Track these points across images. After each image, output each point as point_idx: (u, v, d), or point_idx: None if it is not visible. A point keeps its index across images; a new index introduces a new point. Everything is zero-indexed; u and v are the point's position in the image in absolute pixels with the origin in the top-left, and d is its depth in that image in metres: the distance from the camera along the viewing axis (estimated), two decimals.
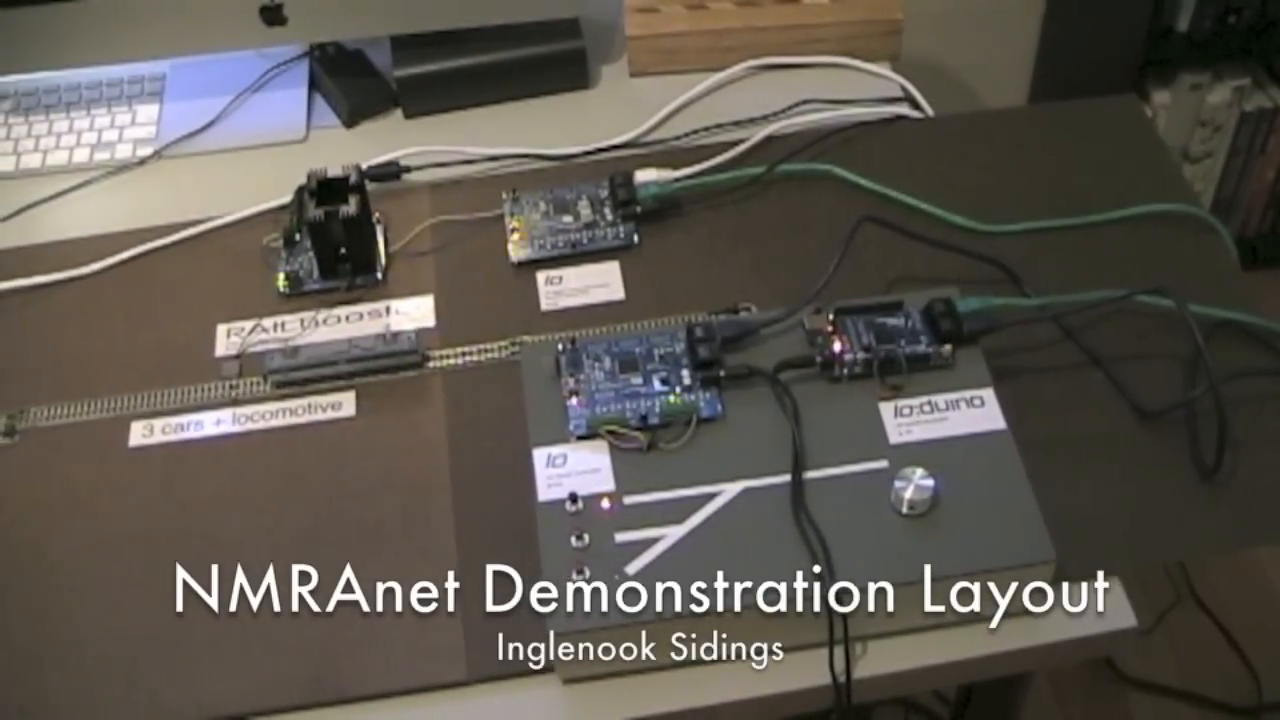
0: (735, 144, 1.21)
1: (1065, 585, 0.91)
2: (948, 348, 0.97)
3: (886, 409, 0.95)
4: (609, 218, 1.16)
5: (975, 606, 0.89)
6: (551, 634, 0.87)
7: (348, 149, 1.29)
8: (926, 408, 0.95)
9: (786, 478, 0.91)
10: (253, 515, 1.01)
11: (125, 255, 1.21)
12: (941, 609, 0.89)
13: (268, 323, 1.13)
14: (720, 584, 0.87)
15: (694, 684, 0.89)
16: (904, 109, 1.26)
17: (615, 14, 1.36)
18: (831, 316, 0.99)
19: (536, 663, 0.90)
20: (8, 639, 0.96)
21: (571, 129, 1.27)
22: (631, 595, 0.86)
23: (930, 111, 1.27)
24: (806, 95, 1.27)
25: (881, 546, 0.88)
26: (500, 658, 0.91)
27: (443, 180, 1.23)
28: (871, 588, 0.86)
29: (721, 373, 0.96)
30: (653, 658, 0.89)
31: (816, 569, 0.87)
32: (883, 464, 0.92)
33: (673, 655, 0.89)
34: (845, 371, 0.97)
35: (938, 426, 0.94)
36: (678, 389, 0.96)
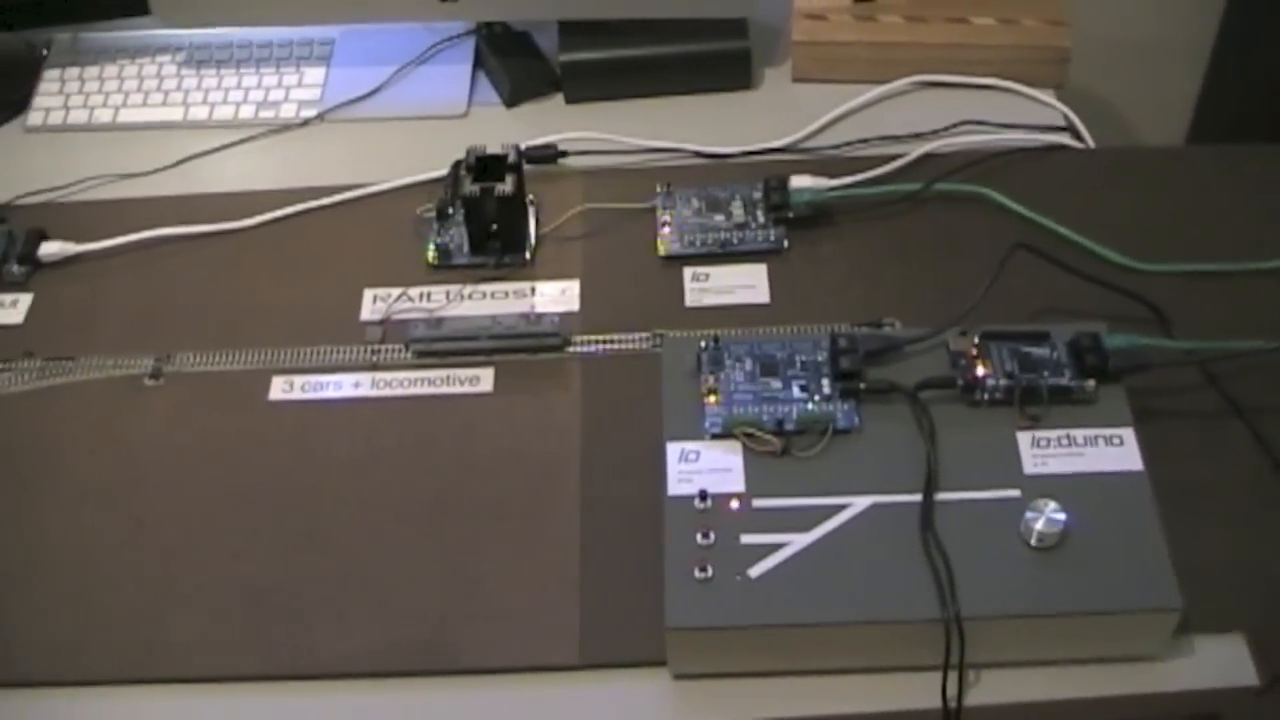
0: (892, 158, 1.21)
1: (1187, 635, 0.90)
2: (1091, 383, 0.96)
3: (1024, 438, 0.94)
4: (760, 220, 1.16)
5: (1093, 647, 0.88)
6: (668, 628, 0.87)
7: (506, 128, 1.31)
8: (1064, 441, 0.94)
9: (916, 497, 0.91)
10: (383, 479, 1.02)
11: (281, 213, 1.23)
12: (1059, 645, 0.88)
13: (414, 292, 1.15)
14: (841, 596, 0.86)
15: (803, 693, 0.89)
16: (1064, 138, 1.25)
17: (783, 18, 1.36)
18: (977, 340, 0.98)
19: (649, 655, 0.90)
20: (138, 573, 0.99)
21: (729, 128, 1.27)
22: (752, 598, 0.86)
23: (1091, 143, 1.25)
24: (967, 116, 1.26)
25: (1006, 576, 0.87)
26: (613, 645, 0.92)
27: (598, 168, 1.24)
28: (992, 616, 0.86)
29: (862, 385, 0.96)
30: (765, 663, 0.89)
31: (939, 591, 0.86)
32: (1015, 493, 0.91)
33: (785, 662, 0.89)
34: (986, 396, 0.96)
35: (1074, 461, 0.93)
36: (816, 397, 0.96)
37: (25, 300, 1.20)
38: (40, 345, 1.15)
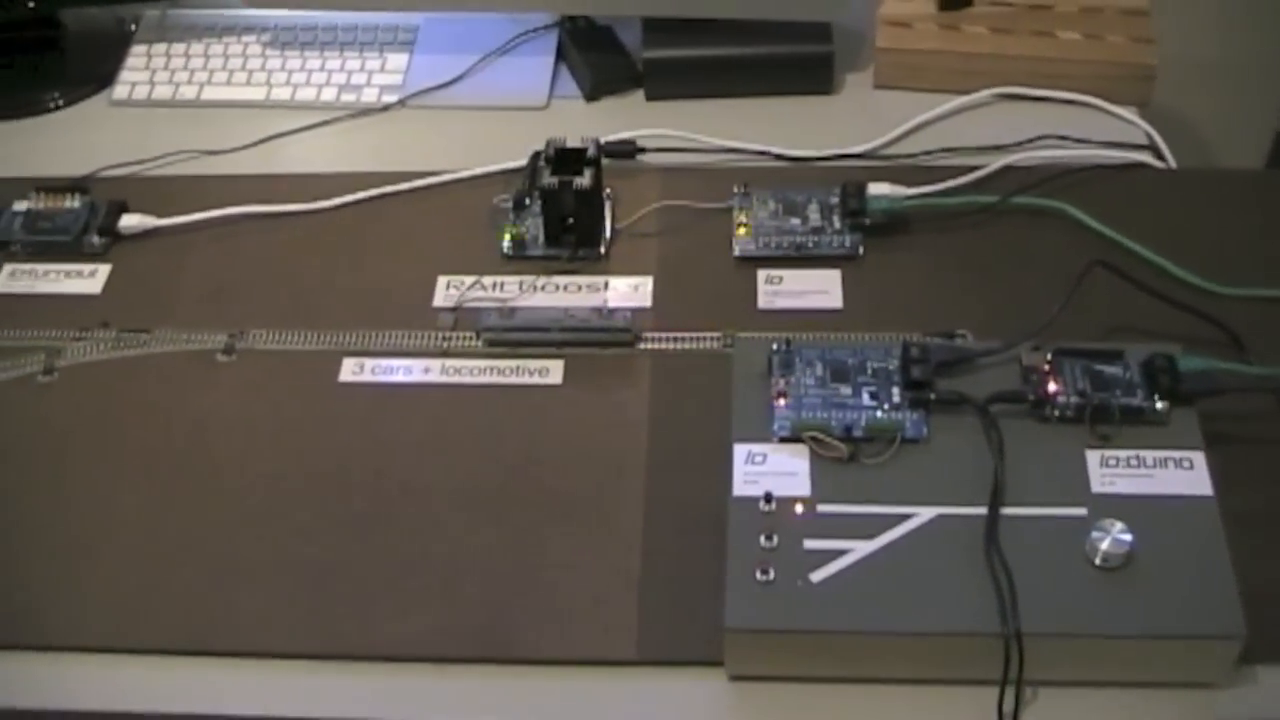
0: (971, 169, 1.20)
1: (1250, 664, 0.89)
2: (1164, 405, 0.95)
3: (1093, 457, 0.94)
4: (836, 225, 1.16)
5: (1153, 671, 0.88)
6: (727, 628, 0.87)
7: (585, 122, 1.31)
8: (1134, 461, 0.93)
9: (982, 510, 0.90)
10: (448, 466, 1.03)
11: (358, 196, 1.24)
12: (1119, 667, 0.88)
13: (487, 281, 1.15)
14: (901, 606, 0.86)
15: (858, 701, 0.89)
16: (1146, 157, 1.24)
17: (866, 24, 1.36)
18: (1050, 356, 0.97)
19: (706, 654, 0.90)
20: (203, 549, 1.00)
21: (808, 132, 1.27)
22: (812, 603, 0.86)
23: (1173, 162, 1.24)
24: (1048, 130, 1.25)
25: (1068, 594, 0.87)
26: (671, 643, 0.92)
27: (675, 165, 1.24)
28: (1052, 634, 0.85)
29: (932, 396, 0.96)
30: (822, 668, 0.89)
31: (1000, 606, 0.86)
32: (1081, 512, 0.90)
33: (842, 669, 0.89)
34: (1056, 413, 0.95)
35: (1143, 482, 0.92)
36: (886, 405, 0.96)
37: (104, 271, 1.21)
38: (116, 316, 1.16)
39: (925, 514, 0.91)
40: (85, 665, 0.95)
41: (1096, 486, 0.92)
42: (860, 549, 0.89)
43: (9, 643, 0.96)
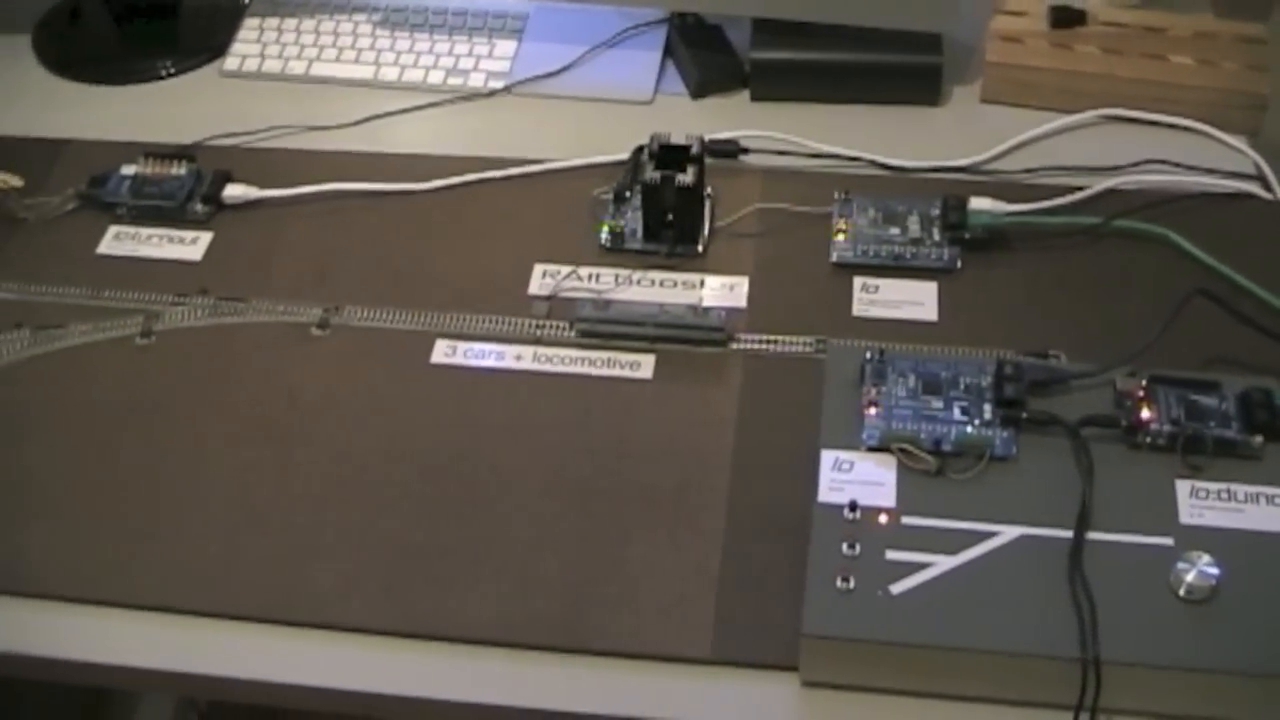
0: (1074, 190, 1.19)
1: None
2: (1259, 439, 0.94)
3: (1183, 487, 0.93)
4: (935, 238, 1.15)
5: (1231, 707, 0.86)
6: (804, 634, 0.87)
7: (689, 119, 1.31)
8: (1224, 495, 0.92)
9: (1067, 532, 0.90)
10: (535, 453, 1.03)
11: (460, 180, 1.25)
12: (1197, 701, 0.87)
13: (583, 272, 1.16)
14: (981, 623, 0.86)
15: (930, 717, 0.89)
16: (1253, 187, 1.22)
17: (977, 37, 1.35)
18: (1145, 383, 0.97)
19: (780, 658, 0.90)
20: (288, 518, 1.01)
21: (911, 142, 1.26)
22: (892, 614, 0.86)
23: None
24: (1154, 154, 1.24)
25: (1149, 624, 0.86)
26: (746, 645, 0.92)
27: (777, 168, 1.24)
28: (1132, 663, 0.84)
29: (1024, 415, 0.95)
30: (896, 680, 0.89)
31: (1080, 631, 0.85)
32: (1168, 541, 0.89)
33: (916, 683, 0.89)
34: (1148, 440, 0.94)
35: (1233, 516, 0.91)
36: (976, 421, 0.95)
37: (205, 239, 1.23)
38: (215, 284, 1.18)
39: (1010, 533, 0.90)
40: (166, 626, 0.96)
41: (1185, 517, 0.91)
42: (942, 563, 0.89)
43: (94, 598, 0.98)
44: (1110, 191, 1.20)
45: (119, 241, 1.23)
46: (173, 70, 1.43)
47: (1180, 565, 0.87)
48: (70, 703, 1.73)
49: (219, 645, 0.95)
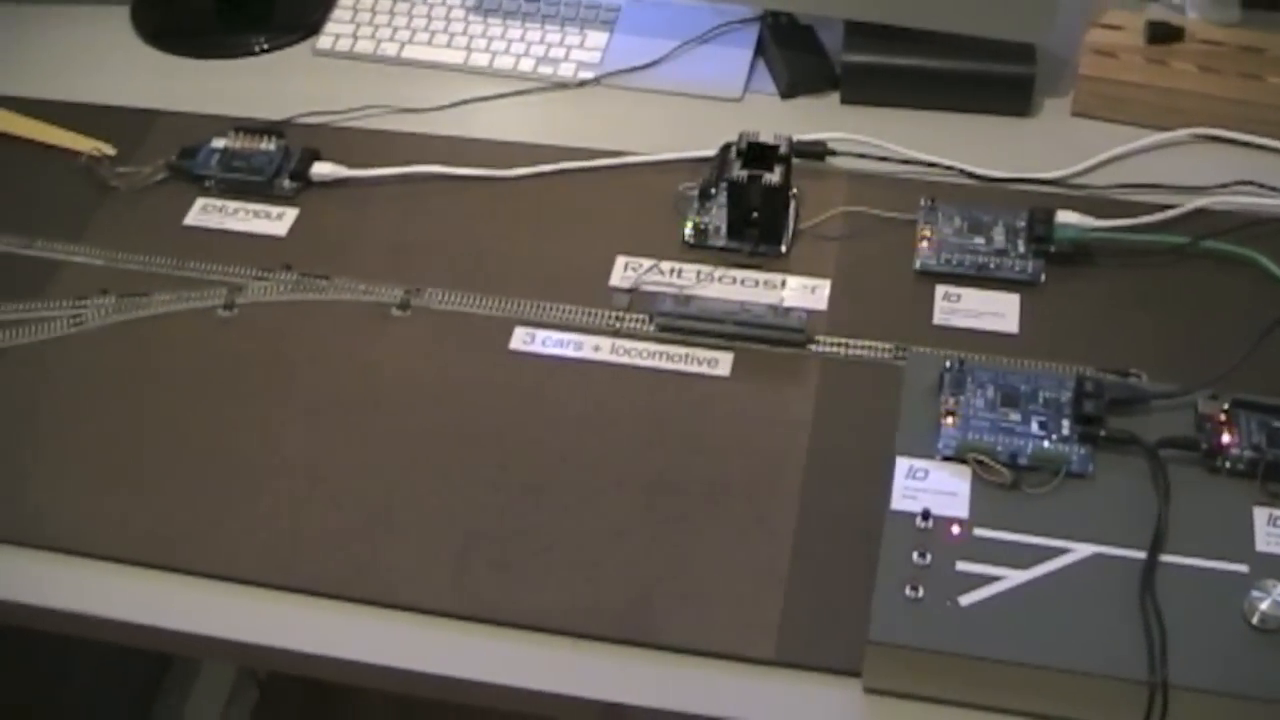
0: (1163, 208, 1.18)
1: None
2: None
3: (1260, 514, 0.91)
4: (1020, 249, 1.15)
5: None
6: (870, 641, 0.86)
7: (777, 119, 1.31)
8: None
9: (1140, 553, 0.89)
10: (608, 444, 1.04)
11: (546, 168, 1.25)
12: None
13: (665, 266, 1.16)
14: (1049, 640, 0.85)
15: None
16: None
17: (1071, 49, 1.34)
18: (1227, 407, 0.96)
19: (844, 664, 0.90)
20: (359, 496, 1.02)
21: (1000, 152, 1.26)
22: (959, 626, 0.86)
23: None
24: (1247, 176, 1.22)
25: (1221, 651, 0.85)
26: (811, 648, 0.91)
27: (864, 172, 1.23)
28: (1200, 689, 0.83)
29: (1102, 432, 0.94)
30: (959, 692, 0.88)
31: (1150, 653, 0.84)
32: (1243, 568, 0.88)
33: (980, 696, 0.88)
34: (1227, 465, 0.93)
35: None
36: (1054, 436, 0.95)
37: (291, 215, 1.24)
38: (299, 260, 1.19)
39: (1082, 550, 0.89)
40: (233, 595, 0.97)
41: (1261, 545, 0.90)
42: (1013, 578, 0.88)
43: (165, 564, 0.99)
44: (1200, 211, 1.19)
45: (206, 214, 1.24)
46: (266, 47, 1.44)
47: (1255, 593, 0.86)
48: (134, 666, 1.75)
49: (284, 618, 0.96)
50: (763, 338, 1.09)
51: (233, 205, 1.25)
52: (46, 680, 1.53)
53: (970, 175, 1.23)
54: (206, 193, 1.26)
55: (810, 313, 1.10)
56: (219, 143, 1.28)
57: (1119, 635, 0.85)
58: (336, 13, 1.45)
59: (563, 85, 1.36)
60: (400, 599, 0.96)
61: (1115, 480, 0.93)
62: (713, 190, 1.19)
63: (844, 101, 1.33)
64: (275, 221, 1.23)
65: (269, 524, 1.00)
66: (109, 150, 1.30)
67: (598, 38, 1.40)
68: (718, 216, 1.18)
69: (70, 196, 1.27)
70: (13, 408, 1.09)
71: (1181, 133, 1.28)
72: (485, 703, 0.94)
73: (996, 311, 1.11)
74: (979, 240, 1.15)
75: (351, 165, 1.26)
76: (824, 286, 1.14)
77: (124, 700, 1.74)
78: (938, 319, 1.11)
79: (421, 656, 0.94)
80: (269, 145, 1.27)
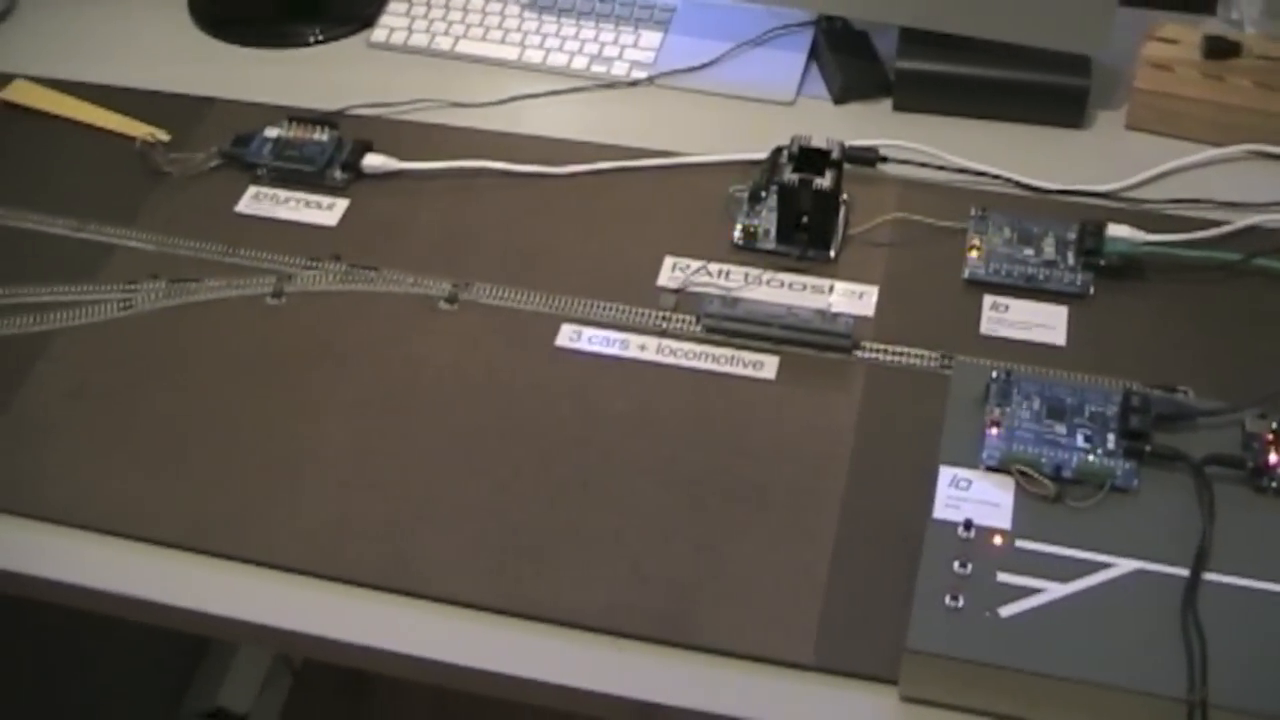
0: (1215, 224, 1.17)
1: None
2: None
3: None
4: (1070, 262, 1.14)
5: None
6: (908, 649, 0.86)
7: (829, 124, 1.30)
8: None
9: (1183, 571, 0.88)
10: (651, 444, 1.04)
11: (596, 166, 1.26)
12: None
13: (713, 268, 1.16)
14: (1088, 654, 0.85)
15: None
16: None
17: (1126, 61, 1.33)
18: (1275, 425, 0.95)
19: (881, 671, 0.90)
20: (401, 487, 1.02)
21: (1052, 164, 1.25)
22: (998, 637, 0.85)
23: None
24: None
25: (1262, 672, 0.84)
26: (848, 654, 0.91)
27: (915, 179, 1.23)
28: (1240, 710, 0.83)
29: (1148, 448, 0.94)
30: (996, 704, 0.88)
31: (1190, 672, 0.84)
32: None
33: (1016, 708, 0.87)
34: (1274, 484, 0.93)
35: None
36: (1099, 450, 0.94)
37: (341, 205, 1.24)
38: (348, 251, 1.20)
39: (1124, 565, 0.89)
40: (273, 582, 0.98)
41: None
42: (1053, 590, 0.88)
43: (206, 548, 1.00)
44: (1252, 229, 1.18)
45: (257, 202, 1.25)
46: (321, 38, 1.45)
47: None
48: (171, 649, 1.76)
49: (322, 606, 0.97)
50: (809, 342, 1.09)
51: (284, 194, 1.25)
52: (84, 659, 1.55)
53: (1021, 186, 1.23)
54: (258, 181, 1.27)
55: (857, 319, 1.10)
56: (272, 132, 1.28)
57: (1159, 652, 0.85)
58: (392, 6, 1.46)
59: (615, 84, 1.37)
60: (439, 591, 0.96)
61: (1160, 496, 0.93)
62: (763, 193, 1.19)
63: (896, 108, 1.33)
64: (326, 211, 1.24)
65: (310, 512, 1.01)
66: (163, 136, 1.31)
67: (652, 37, 1.40)
68: (767, 219, 1.18)
69: (124, 181, 1.28)
70: (62, 388, 1.10)
71: (1235, 149, 1.27)
72: (520, 698, 0.94)
73: (1044, 323, 1.11)
74: (1029, 251, 1.15)
75: (403, 158, 1.27)
76: (871, 293, 1.14)
77: (160, 683, 1.76)
78: (985, 329, 1.11)
79: (458, 649, 0.94)
80: (322, 136, 1.28)
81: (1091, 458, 0.94)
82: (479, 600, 0.96)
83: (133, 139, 1.31)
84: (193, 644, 1.81)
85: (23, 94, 1.37)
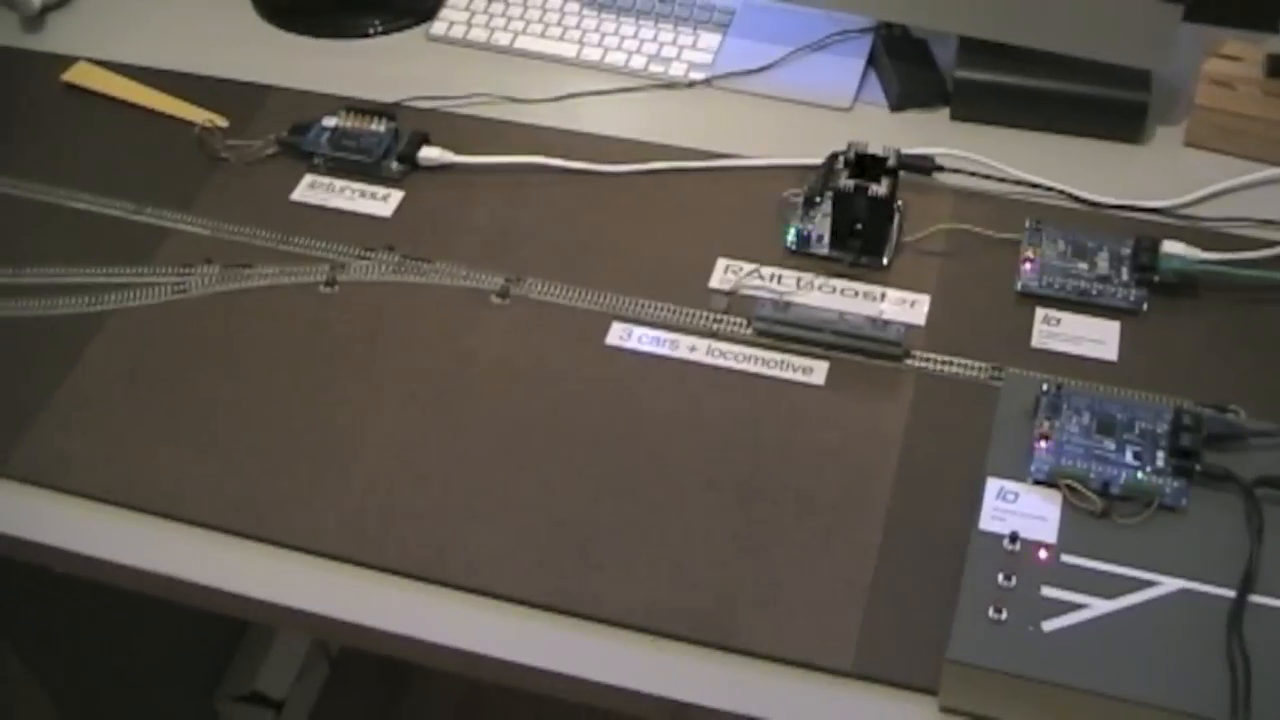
0: (1272, 244, 1.16)
1: None
2: None
3: None
4: (1124, 277, 1.13)
5: None
6: (948, 659, 0.86)
7: (885, 131, 1.30)
8: None
9: (1230, 592, 0.88)
10: (698, 445, 1.04)
11: (651, 166, 1.26)
12: None
13: (766, 271, 1.16)
14: (1130, 672, 0.84)
15: None
16: None
17: (1187, 78, 1.32)
18: None
19: (920, 680, 0.90)
20: (447, 480, 1.02)
21: (1108, 178, 1.24)
22: (1040, 651, 0.85)
23: None
24: None
25: None
26: (888, 661, 0.91)
27: (970, 189, 1.22)
28: None
29: (1197, 467, 0.93)
30: (1036, 718, 0.87)
31: (1233, 695, 0.83)
32: None
33: None
34: None
35: None
36: (1149, 468, 0.94)
37: (396, 197, 1.25)
38: (402, 242, 1.20)
39: (1169, 584, 0.89)
40: (316, 568, 0.99)
41: None
42: (1097, 606, 0.87)
43: (251, 533, 1.00)
44: None
45: (313, 190, 1.26)
46: (381, 29, 1.45)
47: None
48: (210, 631, 1.77)
49: (364, 594, 0.97)
50: (859, 349, 1.09)
51: (339, 184, 1.26)
52: (125, 637, 1.56)
53: (1077, 199, 1.22)
54: (315, 170, 1.27)
55: (908, 327, 1.10)
56: (330, 121, 1.29)
57: (1202, 673, 0.84)
58: (452, 0, 1.46)
59: (673, 85, 1.37)
60: (481, 584, 0.97)
61: (1208, 516, 0.92)
62: (818, 198, 1.19)
63: (954, 118, 1.32)
64: (381, 202, 1.24)
65: (356, 501, 1.01)
66: (222, 122, 1.32)
67: (710, 39, 1.40)
68: (821, 225, 1.18)
69: (181, 166, 1.28)
70: (114, 370, 1.11)
71: None
72: (557, 693, 0.95)
73: (1096, 338, 1.10)
74: (1082, 265, 1.14)
75: (459, 151, 1.27)
76: (923, 301, 1.13)
77: (197, 665, 1.77)
78: (1036, 342, 1.10)
79: (497, 643, 0.95)
80: (379, 126, 1.28)
81: (1140, 475, 0.93)
82: (520, 595, 0.96)
83: (191, 124, 1.32)
84: (231, 628, 1.82)
85: (85, 76, 1.38)
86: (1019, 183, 1.23)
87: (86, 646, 1.48)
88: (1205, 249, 1.14)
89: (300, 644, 1.89)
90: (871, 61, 1.38)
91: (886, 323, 1.09)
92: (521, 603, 0.96)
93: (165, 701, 1.69)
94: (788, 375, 1.08)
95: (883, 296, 1.14)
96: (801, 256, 1.17)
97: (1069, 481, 0.93)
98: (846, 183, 1.13)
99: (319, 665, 1.92)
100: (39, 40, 1.45)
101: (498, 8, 1.45)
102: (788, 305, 1.11)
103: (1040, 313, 1.12)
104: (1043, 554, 0.90)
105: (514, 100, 1.35)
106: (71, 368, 1.11)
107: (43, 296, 1.17)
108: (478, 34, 1.43)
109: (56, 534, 1.02)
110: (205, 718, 1.79)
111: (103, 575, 1.02)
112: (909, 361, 1.09)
